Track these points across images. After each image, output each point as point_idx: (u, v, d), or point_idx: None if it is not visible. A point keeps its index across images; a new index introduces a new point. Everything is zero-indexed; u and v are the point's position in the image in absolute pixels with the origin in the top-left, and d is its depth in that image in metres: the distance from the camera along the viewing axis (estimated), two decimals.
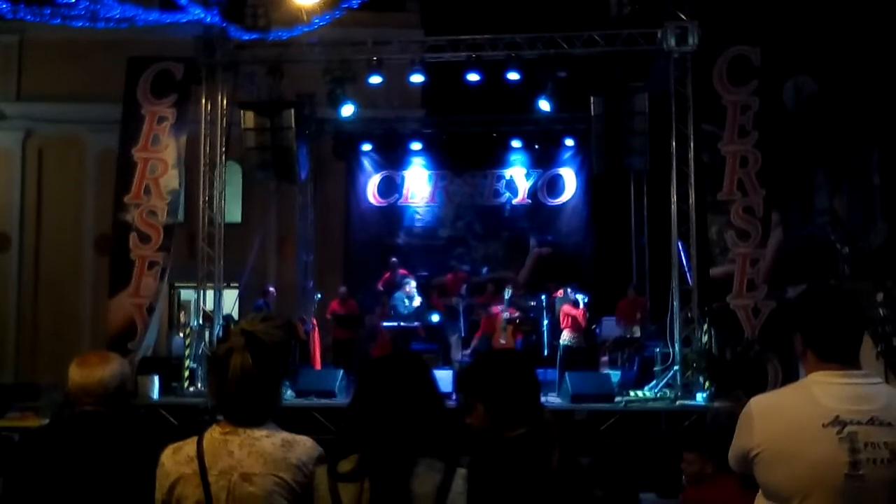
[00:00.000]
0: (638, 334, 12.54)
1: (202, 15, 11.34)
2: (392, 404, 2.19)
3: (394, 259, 14.14)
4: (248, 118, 12.17)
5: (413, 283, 13.03)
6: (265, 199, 15.65)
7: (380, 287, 13.72)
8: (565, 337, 11.70)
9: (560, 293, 12.30)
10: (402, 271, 13.95)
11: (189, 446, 2.28)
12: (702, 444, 4.68)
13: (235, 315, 12.68)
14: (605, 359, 12.63)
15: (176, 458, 2.28)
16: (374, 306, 13.53)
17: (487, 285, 13.97)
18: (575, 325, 11.66)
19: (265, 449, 2.23)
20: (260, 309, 12.30)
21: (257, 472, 2.20)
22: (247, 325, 2.31)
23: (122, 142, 11.94)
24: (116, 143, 12.21)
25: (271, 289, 13.51)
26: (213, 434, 2.28)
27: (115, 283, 11.66)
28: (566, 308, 11.85)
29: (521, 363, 2.69)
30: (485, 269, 14.51)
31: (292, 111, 12.17)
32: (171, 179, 11.71)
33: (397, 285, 13.31)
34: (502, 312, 12.21)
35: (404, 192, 15.77)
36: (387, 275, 13.88)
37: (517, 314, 12.42)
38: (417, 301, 12.87)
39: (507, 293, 12.52)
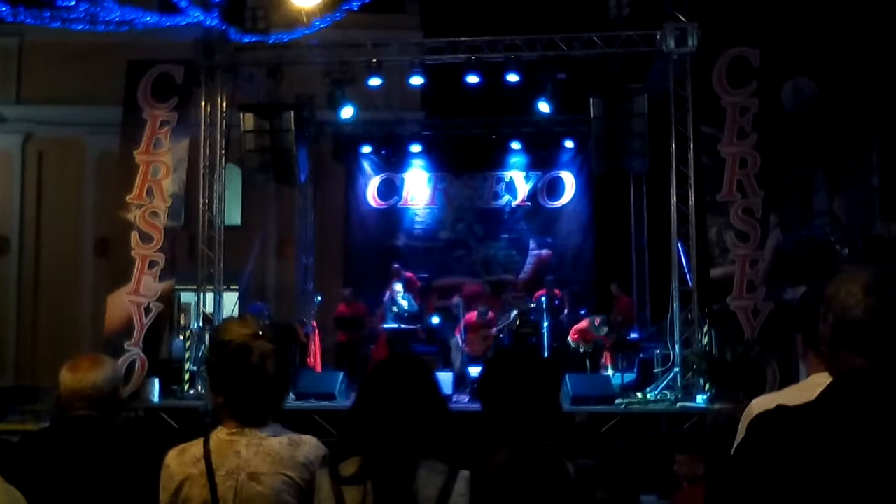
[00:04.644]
0: (636, 335, 12.52)
1: (202, 17, 11.33)
2: (395, 407, 2.20)
3: (396, 265, 14.06)
4: (248, 120, 12.17)
5: (399, 286, 12.94)
6: (265, 201, 15.64)
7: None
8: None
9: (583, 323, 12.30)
10: (407, 274, 13.87)
11: (195, 447, 2.29)
12: (692, 446, 4.77)
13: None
14: (605, 361, 12.61)
15: (181, 460, 2.28)
16: (375, 308, 13.50)
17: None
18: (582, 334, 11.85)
19: (273, 448, 2.24)
20: (259, 312, 12.27)
21: (265, 471, 2.21)
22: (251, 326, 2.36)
23: (124, 144, 11.94)
24: (116, 146, 12.22)
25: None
26: (220, 435, 2.29)
27: (113, 280, 11.68)
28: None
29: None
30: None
31: (292, 113, 12.16)
32: (173, 183, 11.72)
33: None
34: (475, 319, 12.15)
35: (404, 194, 15.73)
36: (394, 280, 13.80)
37: (493, 329, 12.25)
38: (405, 303, 12.72)
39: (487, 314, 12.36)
